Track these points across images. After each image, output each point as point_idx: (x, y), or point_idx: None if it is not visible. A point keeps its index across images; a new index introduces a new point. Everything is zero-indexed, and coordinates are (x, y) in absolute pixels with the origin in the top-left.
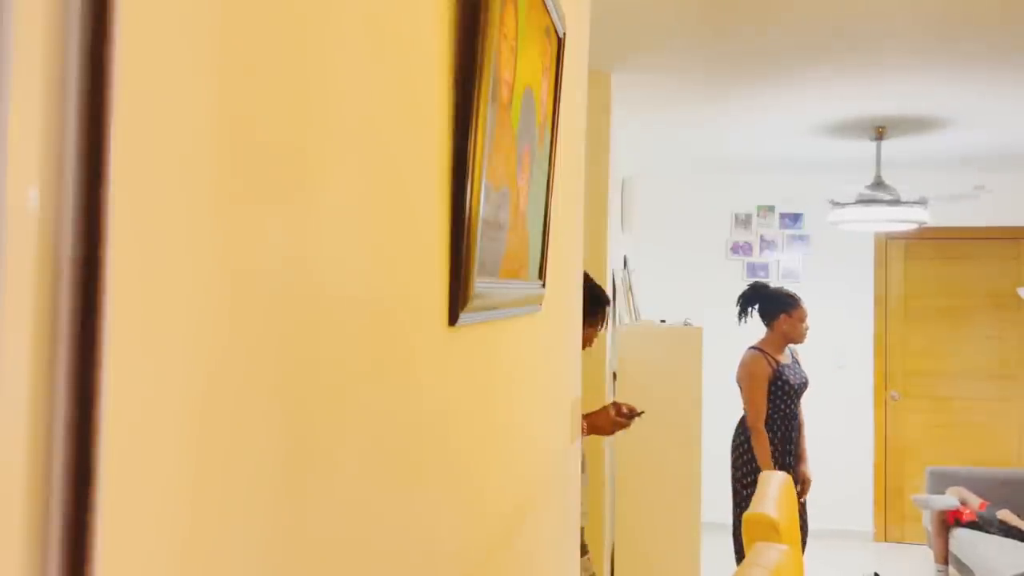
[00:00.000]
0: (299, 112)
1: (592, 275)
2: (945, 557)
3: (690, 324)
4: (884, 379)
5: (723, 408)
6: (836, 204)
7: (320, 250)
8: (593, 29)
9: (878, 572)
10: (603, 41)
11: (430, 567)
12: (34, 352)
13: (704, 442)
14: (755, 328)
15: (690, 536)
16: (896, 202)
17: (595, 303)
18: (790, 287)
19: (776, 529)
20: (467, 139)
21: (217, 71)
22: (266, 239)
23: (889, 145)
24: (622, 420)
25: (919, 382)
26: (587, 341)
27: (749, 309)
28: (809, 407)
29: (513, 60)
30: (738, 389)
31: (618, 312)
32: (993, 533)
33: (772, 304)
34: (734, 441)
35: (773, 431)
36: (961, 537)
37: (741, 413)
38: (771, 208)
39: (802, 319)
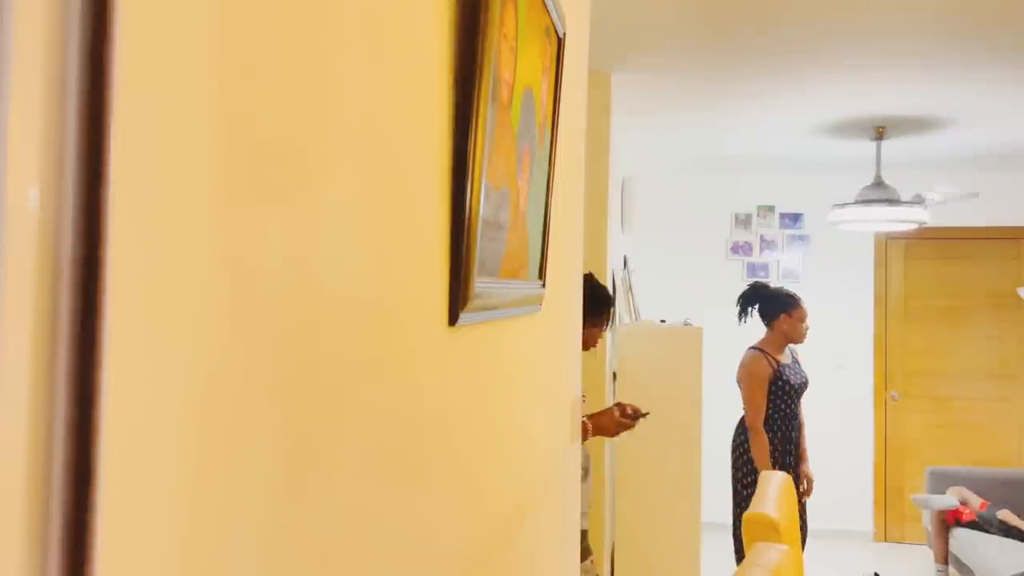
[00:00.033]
0: (299, 112)
1: (593, 275)
2: (945, 557)
3: (690, 324)
4: (884, 379)
5: (723, 408)
6: (836, 204)
7: (320, 250)
8: (593, 29)
9: (878, 572)
10: (603, 41)
11: (430, 567)
12: (34, 352)
13: (704, 442)
14: (755, 328)
15: (690, 536)
16: (896, 202)
17: (600, 303)
18: (790, 287)
19: (776, 529)
20: (467, 139)
21: (217, 71)
22: (266, 239)
23: (889, 145)
24: (626, 421)
25: (919, 382)
26: (592, 341)
27: (749, 309)
28: (809, 407)
29: (513, 60)
30: (738, 389)
31: (618, 312)
32: (993, 533)
33: (772, 304)
34: (734, 441)
35: (774, 431)
36: (961, 537)
37: (741, 413)
38: (771, 208)
39: (802, 319)
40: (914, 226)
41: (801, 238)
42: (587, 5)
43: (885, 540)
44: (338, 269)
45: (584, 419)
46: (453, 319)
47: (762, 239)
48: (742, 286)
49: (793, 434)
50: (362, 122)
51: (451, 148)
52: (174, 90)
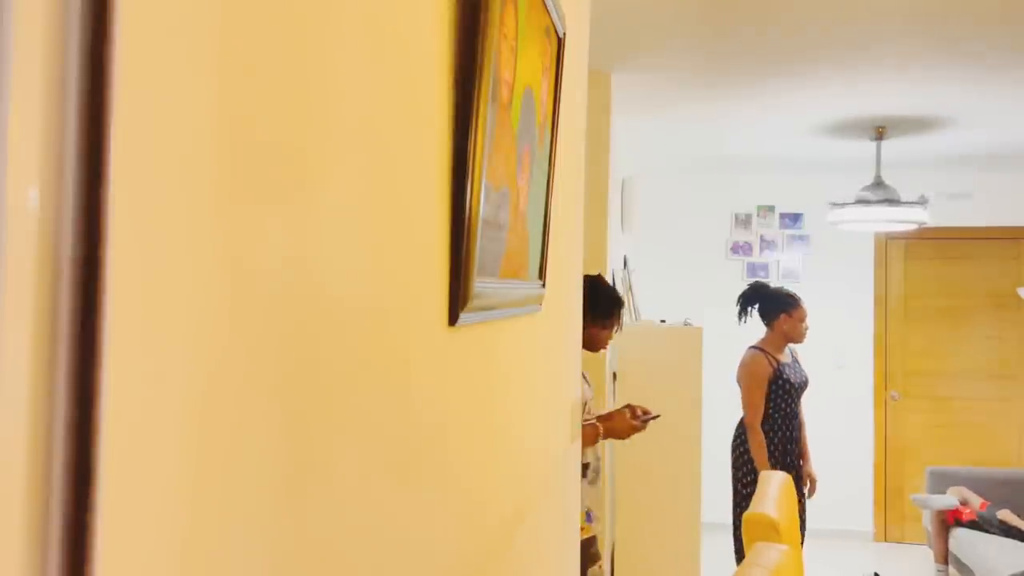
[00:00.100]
0: (299, 112)
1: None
2: (945, 557)
3: (690, 324)
4: (884, 379)
5: (723, 408)
6: (836, 204)
7: (320, 250)
8: (593, 29)
9: (878, 572)
10: (603, 41)
11: (430, 568)
12: (34, 352)
13: (704, 442)
14: (755, 328)
15: (690, 536)
16: (896, 202)
17: (610, 304)
18: (790, 287)
19: (776, 529)
20: (467, 139)
21: (217, 71)
22: (266, 239)
23: (889, 145)
24: (637, 424)
25: (919, 382)
26: (601, 343)
27: (749, 309)
28: (809, 407)
29: (513, 60)
30: (738, 389)
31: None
32: (993, 533)
33: (772, 304)
34: (734, 441)
35: (774, 430)
36: (961, 537)
37: (742, 413)
38: (771, 208)
39: (802, 319)
40: (914, 226)
41: (801, 238)
42: (587, 5)
43: (885, 540)
44: (338, 269)
45: (595, 422)
46: (453, 319)
47: (762, 239)
48: (742, 286)
49: (794, 433)
50: (362, 122)
51: (451, 148)
52: (174, 90)
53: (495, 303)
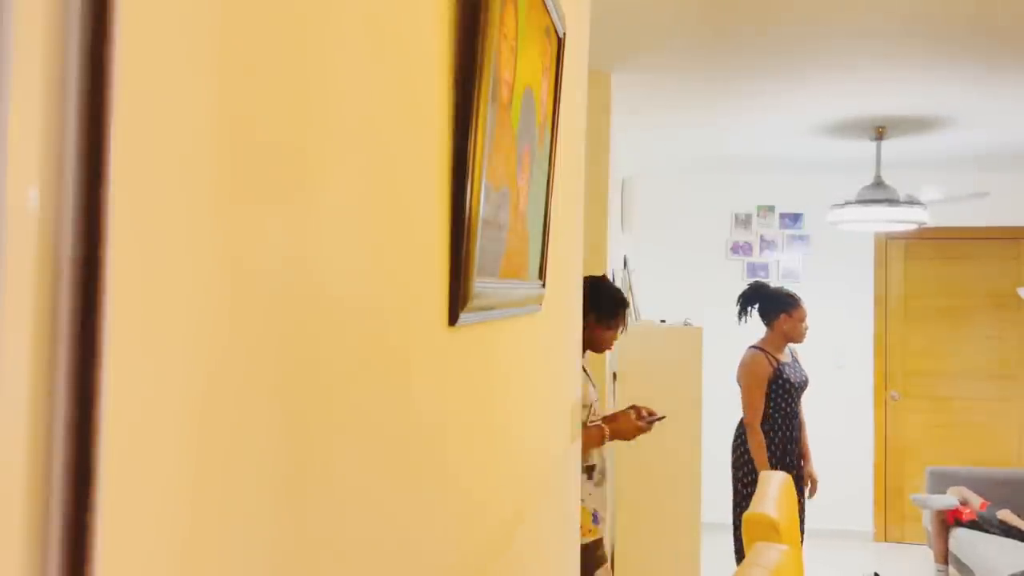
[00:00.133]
0: (299, 112)
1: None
2: (945, 557)
3: (690, 324)
4: (884, 379)
5: (723, 408)
6: (836, 204)
7: (320, 250)
8: (593, 29)
9: (878, 572)
10: (603, 41)
11: (430, 568)
12: (34, 352)
13: (704, 442)
14: (755, 328)
15: (690, 536)
16: (896, 202)
17: (614, 305)
18: (790, 287)
19: (776, 529)
20: (467, 139)
21: (217, 71)
22: (266, 239)
23: (889, 145)
24: (643, 425)
25: (919, 382)
26: (607, 344)
27: (749, 309)
28: (809, 407)
29: (513, 60)
30: (739, 388)
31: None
32: (993, 533)
33: (772, 304)
34: (734, 441)
35: (775, 430)
36: (961, 537)
37: (742, 413)
38: (771, 208)
39: (802, 319)
40: (914, 226)
41: (801, 238)
42: (587, 5)
43: (885, 540)
44: (338, 269)
45: (600, 424)
46: (453, 319)
47: (762, 239)
48: (742, 286)
49: (794, 433)
50: (362, 122)
51: (451, 148)
52: (174, 90)
53: (495, 303)
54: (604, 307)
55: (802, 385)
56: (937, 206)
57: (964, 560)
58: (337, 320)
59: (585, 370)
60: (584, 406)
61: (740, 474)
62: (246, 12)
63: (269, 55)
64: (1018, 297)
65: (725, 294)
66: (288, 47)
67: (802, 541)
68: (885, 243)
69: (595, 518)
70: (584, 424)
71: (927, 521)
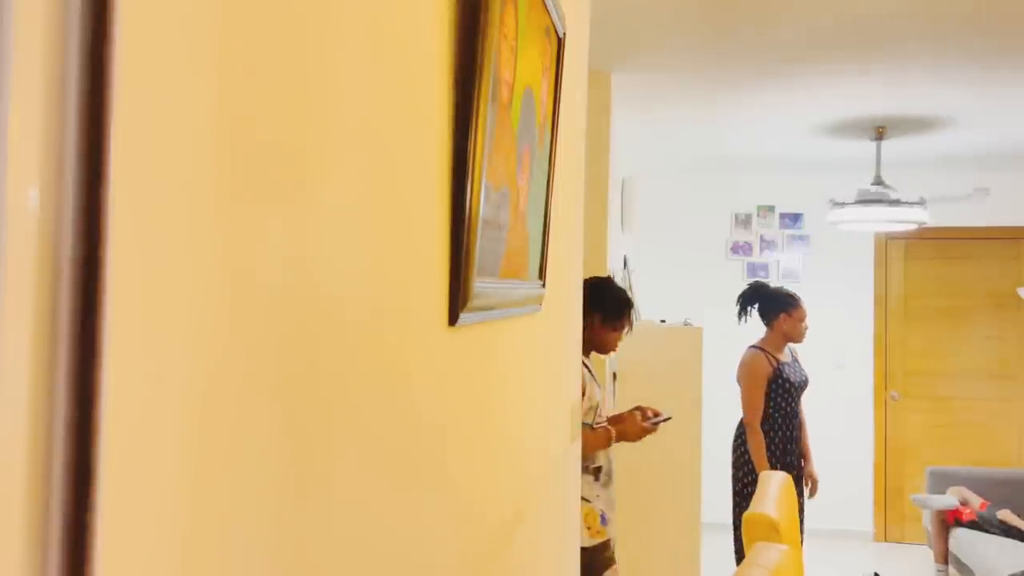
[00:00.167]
0: (299, 112)
1: (592, 275)
2: (945, 557)
3: (690, 324)
4: (884, 379)
5: (723, 408)
6: (836, 204)
7: (320, 250)
8: (593, 29)
9: (878, 572)
10: (603, 41)
11: (430, 568)
12: (34, 352)
13: (704, 442)
14: (755, 328)
15: (690, 536)
16: (896, 202)
17: (620, 306)
18: (790, 287)
19: (776, 529)
20: (467, 139)
21: (217, 71)
22: (266, 239)
23: (889, 145)
24: (649, 426)
25: (919, 382)
26: (612, 345)
27: (749, 308)
28: (809, 407)
29: (513, 60)
30: (739, 388)
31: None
32: (993, 533)
33: (772, 304)
34: (735, 441)
35: (775, 429)
36: (961, 537)
37: (742, 413)
38: (771, 208)
39: (802, 319)
40: (914, 226)
41: (801, 238)
42: (587, 5)
43: (885, 540)
44: (338, 269)
45: (607, 426)
46: (453, 319)
47: (762, 239)
48: (742, 286)
49: (794, 433)
50: (362, 122)
51: (451, 148)
52: (174, 90)
53: (495, 303)
54: (609, 308)
55: (802, 385)
56: (937, 206)
57: (964, 560)
58: (337, 320)
59: (590, 371)
60: (590, 408)
61: (740, 474)
62: (246, 12)
63: (269, 55)
64: (1018, 297)
65: (725, 294)
66: (288, 47)
67: (802, 541)
68: (885, 243)
69: (603, 519)
70: (591, 426)
71: (927, 521)
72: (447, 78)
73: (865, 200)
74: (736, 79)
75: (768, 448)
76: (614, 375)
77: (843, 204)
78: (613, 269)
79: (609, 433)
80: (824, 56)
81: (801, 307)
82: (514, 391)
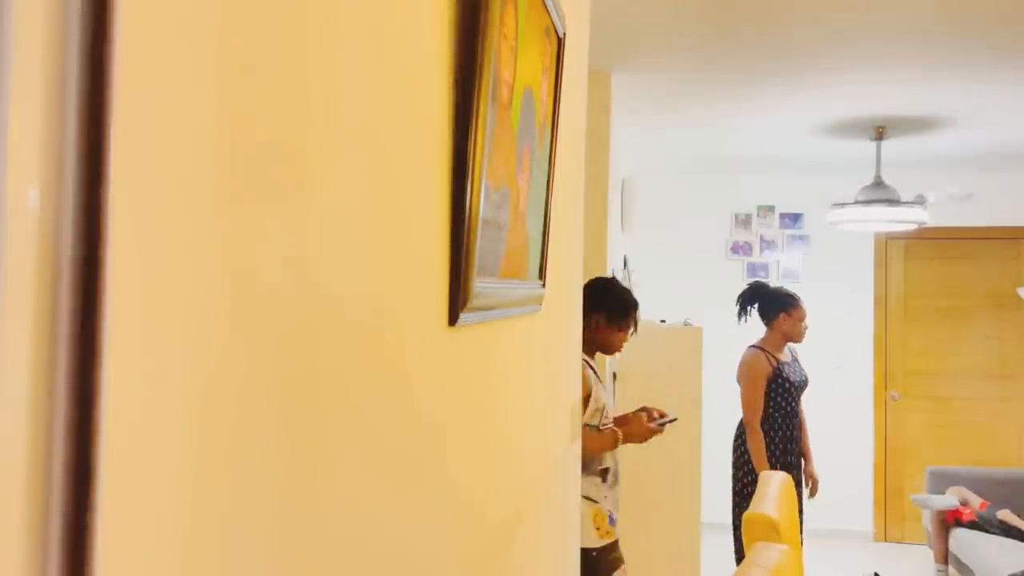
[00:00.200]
0: (299, 112)
1: (592, 276)
2: (945, 557)
3: (690, 324)
4: (884, 379)
5: (723, 408)
6: (836, 204)
7: (320, 250)
8: (593, 29)
9: (878, 572)
10: (603, 41)
11: (430, 568)
12: (34, 352)
13: (704, 442)
14: (755, 327)
15: (690, 536)
16: (896, 202)
17: (625, 307)
18: (790, 287)
19: (776, 529)
20: (467, 139)
21: (217, 71)
22: (266, 239)
23: (889, 145)
24: (655, 427)
25: (919, 382)
26: (617, 345)
27: (749, 308)
28: (809, 407)
29: (513, 60)
30: (739, 388)
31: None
32: (993, 533)
33: (772, 303)
34: (735, 441)
35: (774, 429)
36: (961, 537)
37: (742, 413)
38: (771, 208)
39: (802, 319)
40: (914, 226)
41: (801, 238)
42: (587, 5)
43: (885, 540)
44: (338, 269)
45: (613, 427)
46: (453, 319)
47: (762, 239)
48: (742, 286)
49: (794, 432)
50: (362, 122)
51: (451, 148)
52: (174, 90)
53: (495, 303)
54: (614, 308)
55: (802, 384)
56: (937, 206)
57: (964, 560)
58: (337, 320)
59: (596, 372)
60: (596, 409)
61: (740, 474)
62: (246, 12)
63: (269, 55)
64: (1018, 297)
65: (725, 294)
66: (288, 47)
67: (801, 541)
68: (885, 243)
69: (611, 519)
70: (597, 428)
71: (927, 521)
72: (447, 78)
73: (865, 200)
74: (736, 79)
75: (768, 448)
76: (614, 375)
77: (843, 204)
78: (613, 269)
79: (615, 435)
80: (824, 56)
81: (801, 307)
82: (514, 391)
